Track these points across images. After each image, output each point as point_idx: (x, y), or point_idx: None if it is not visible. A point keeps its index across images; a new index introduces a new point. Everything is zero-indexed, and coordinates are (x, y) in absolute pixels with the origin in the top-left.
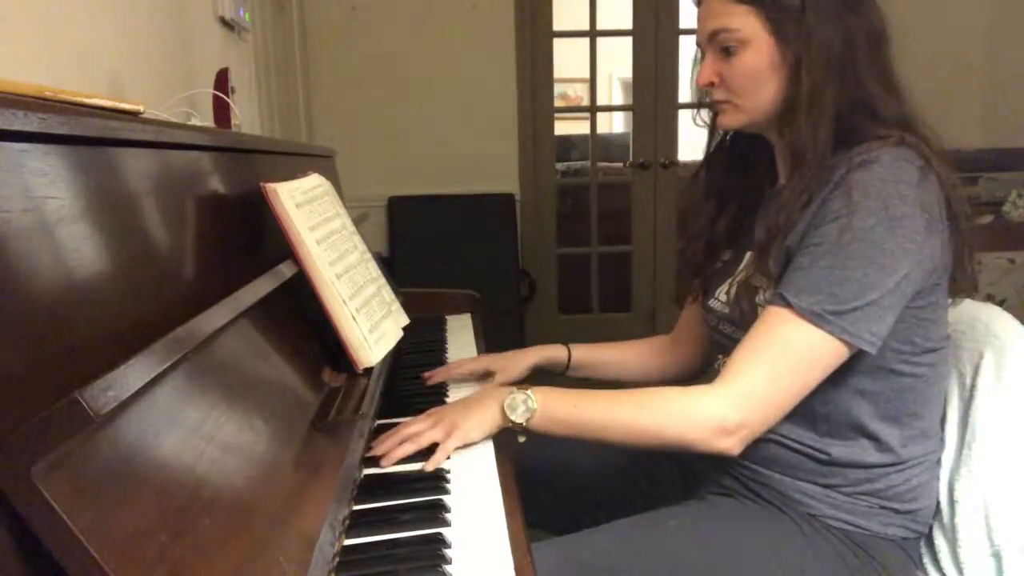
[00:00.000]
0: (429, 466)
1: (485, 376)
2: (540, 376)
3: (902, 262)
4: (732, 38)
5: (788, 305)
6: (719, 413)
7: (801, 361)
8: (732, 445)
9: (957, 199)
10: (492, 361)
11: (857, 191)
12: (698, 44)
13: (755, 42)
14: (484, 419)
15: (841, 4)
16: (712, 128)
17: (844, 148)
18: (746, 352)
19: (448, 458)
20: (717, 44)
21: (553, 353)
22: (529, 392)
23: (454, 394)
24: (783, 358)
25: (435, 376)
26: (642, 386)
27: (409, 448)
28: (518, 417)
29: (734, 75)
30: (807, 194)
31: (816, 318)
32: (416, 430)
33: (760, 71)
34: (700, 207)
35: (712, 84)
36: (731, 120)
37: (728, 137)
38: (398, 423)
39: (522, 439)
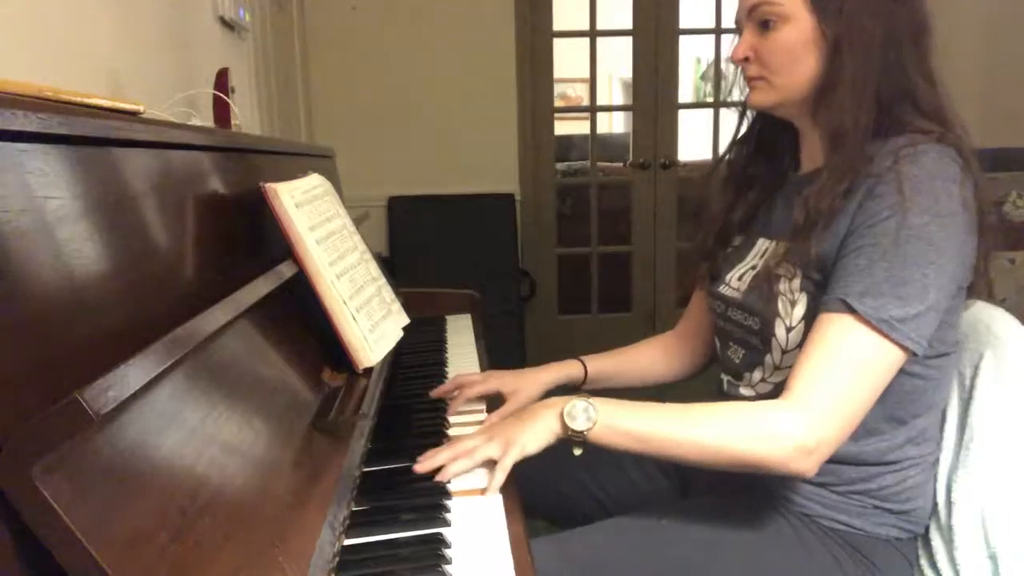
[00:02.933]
0: (490, 491)
1: (496, 398)
2: (556, 392)
3: (952, 260)
4: (772, 12)
5: (852, 311)
6: (797, 434)
7: (870, 372)
8: (810, 467)
9: (985, 201)
10: (503, 382)
11: (908, 184)
12: (737, 22)
13: (795, 18)
14: (540, 430)
15: None
16: (742, 114)
17: (881, 138)
18: (815, 364)
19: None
20: (756, 18)
21: (569, 370)
22: (590, 400)
23: (454, 402)
24: (852, 371)
25: (451, 404)
26: (659, 387)
27: (465, 464)
28: (578, 426)
29: (771, 51)
30: (847, 180)
31: (883, 325)
32: (472, 446)
33: (797, 48)
34: (718, 193)
35: (747, 60)
36: (763, 97)
37: (756, 126)
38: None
39: (578, 452)
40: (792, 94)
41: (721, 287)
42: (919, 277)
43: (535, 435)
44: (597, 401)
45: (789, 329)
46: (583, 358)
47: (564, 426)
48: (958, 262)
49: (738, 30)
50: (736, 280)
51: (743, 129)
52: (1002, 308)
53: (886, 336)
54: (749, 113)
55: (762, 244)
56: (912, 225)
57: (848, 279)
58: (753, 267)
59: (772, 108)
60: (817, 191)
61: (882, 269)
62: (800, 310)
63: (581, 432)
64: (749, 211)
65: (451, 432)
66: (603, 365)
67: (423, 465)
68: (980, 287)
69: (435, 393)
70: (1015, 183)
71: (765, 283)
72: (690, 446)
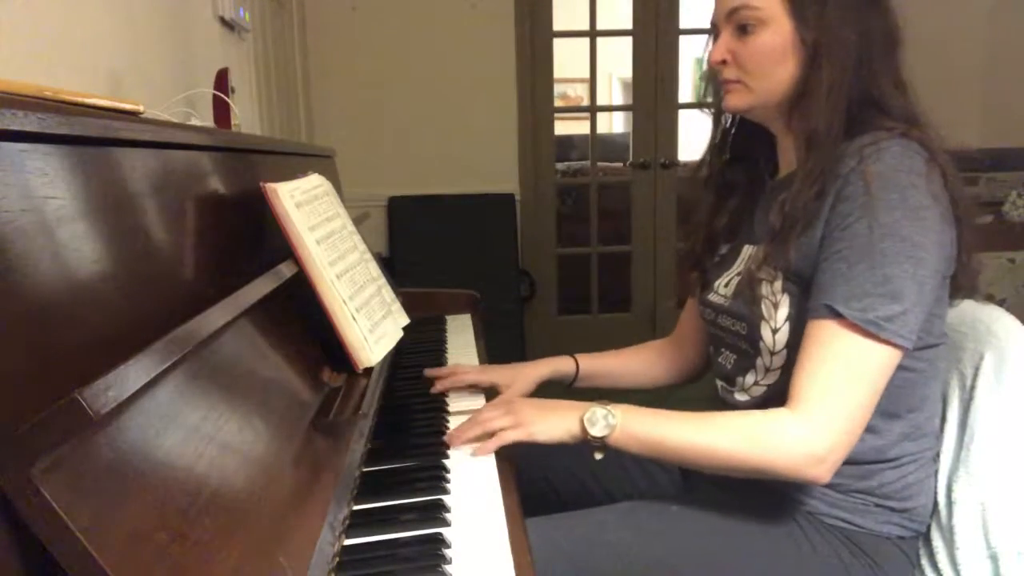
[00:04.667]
0: (481, 451)
1: (490, 390)
2: (547, 388)
3: (931, 253)
4: (752, 16)
5: (839, 316)
6: (807, 442)
7: (868, 374)
8: (822, 473)
9: (961, 196)
10: (498, 375)
11: (875, 183)
12: (713, 23)
13: (774, 23)
14: (556, 424)
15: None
16: (717, 118)
17: (847, 138)
18: (813, 374)
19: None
20: (735, 22)
21: (561, 366)
22: (610, 408)
23: (454, 401)
24: (851, 375)
25: (440, 383)
26: (651, 391)
27: (477, 430)
28: (597, 431)
29: (748, 54)
30: (820, 183)
31: (872, 326)
32: (487, 416)
33: (776, 52)
34: (702, 199)
35: (724, 63)
36: (738, 100)
37: (731, 128)
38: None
39: (599, 456)
40: (768, 98)
41: (710, 295)
42: (899, 273)
43: (549, 427)
44: (617, 408)
45: (775, 331)
46: (577, 356)
47: (583, 430)
48: (937, 254)
49: (714, 32)
50: (724, 287)
51: (718, 135)
52: (1002, 308)
53: (875, 337)
54: (724, 119)
55: (747, 251)
56: (884, 223)
57: (831, 284)
58: (739, 274)
59: (747, 111)
60: (793, 195)
61: (862, 270)
62: (784, 311)
63: (599, 438)
64: (733, 218)
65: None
66: (595, 364)
67: (450, 436)
68: (964, 281)
69: (429, 372)
70: (1015, 183)
71: (748, 287)
72: (703, 455)
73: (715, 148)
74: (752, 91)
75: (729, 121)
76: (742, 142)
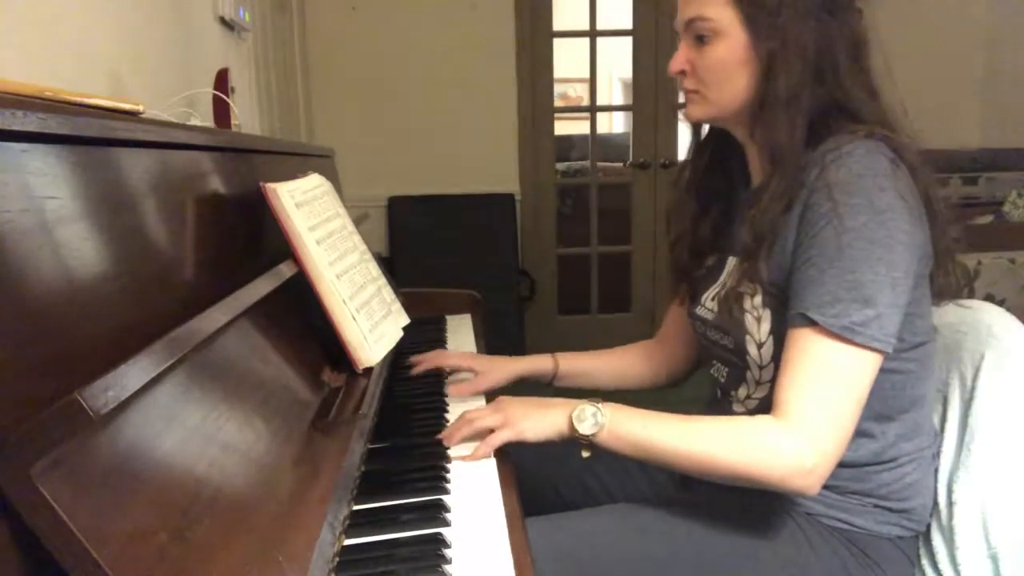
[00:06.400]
0: (472, 456)
1: (490, 392)
2: (525, 386)
3: (902, 254)
4: (706, 28)
5: (813, 323)
6: (795, 453)
7: (850, 381)
8: (811, 484)
9: (935, 196)
10: (478, 362)
11: (838, 190)
12: (676, 30)
13: (728, 34)
14: (545, 423)
15: (818, 6)
16: (696, 127)
17: (814, 145)
18: (795, 383)
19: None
20: (692, 32)
21: (539, 363)
22: (599, 406)
23: (454, 402)
24: (833, 383)
25: (424, 362)
26: (635, 391)
27: (466, 430)
28: (585, 429)
29: (704, 66)
30: (787, 196)
31: (847, 332)
32: (475, 415)
33: (729, 64)
34: (684, 207)
35: (683, 73)
36: (697, 111)
37: (704, 135)
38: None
39: (586, 454)
40: (725, 109)
41: (698, 308)
42: (871, 277)
43: (537, 426)
44: (607, 406)
45: (760, 345)
46: (557, 355)
47: (571, 427)
48: (909, 254)
49: (679, 40)
50: (711, 301)
51: (693, 143)
52: (1002, 308)
53: (851, 342)
54: (701, 125)
55: (731, 263)
56: (850, 228)
57: (804, 292)
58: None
59: (709, 122)
60: (760, 212)
61: (833, 276)
62: (767, 325)
63: (587, 436)
64: (716, 227)
65: None
66: (576, 364)
67: (442, 434)
68: (942, 280)
69: (417, 370)
70: (1015, 183)
71: (731, 304)
72: (689, 460)
73: (694, 154)
74: (709, 102)
75: (706, 127)
76: (720, 148)
